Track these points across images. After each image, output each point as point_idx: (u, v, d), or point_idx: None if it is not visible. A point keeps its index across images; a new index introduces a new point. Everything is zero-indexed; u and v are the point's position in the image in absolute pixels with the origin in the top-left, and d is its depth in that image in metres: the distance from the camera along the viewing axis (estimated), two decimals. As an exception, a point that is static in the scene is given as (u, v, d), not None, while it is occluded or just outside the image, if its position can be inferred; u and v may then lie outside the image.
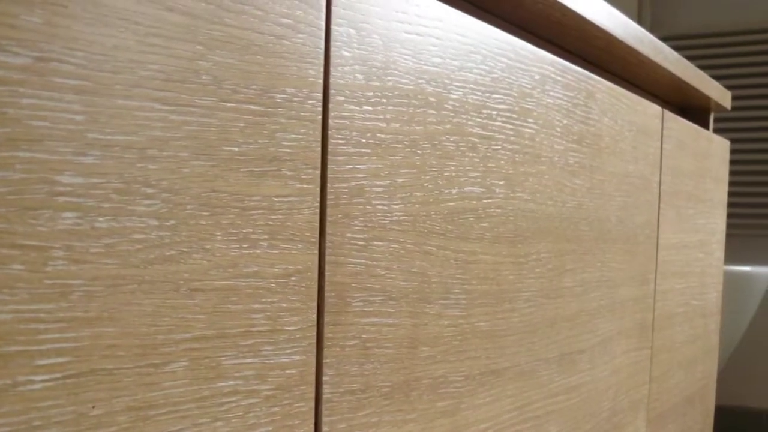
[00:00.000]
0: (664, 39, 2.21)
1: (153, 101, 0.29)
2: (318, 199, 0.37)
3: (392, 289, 0.42)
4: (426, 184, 0.45)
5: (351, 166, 0.39)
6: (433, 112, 0.45)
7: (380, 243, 0.41)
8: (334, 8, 0.37)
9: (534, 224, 0.57)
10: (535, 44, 0.72)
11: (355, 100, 0.39)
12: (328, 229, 0.38)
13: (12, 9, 0.24)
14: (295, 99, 0.35)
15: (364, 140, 0.40)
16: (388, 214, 0.42)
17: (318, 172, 0.37)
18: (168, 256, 0.30)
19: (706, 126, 1.16)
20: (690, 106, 1.15)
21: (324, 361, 0.38)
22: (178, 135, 0.30)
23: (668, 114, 0.86)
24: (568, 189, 0.62)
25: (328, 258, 0.38)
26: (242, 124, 0.33)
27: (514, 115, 0.54)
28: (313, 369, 0.37)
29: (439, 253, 0.46)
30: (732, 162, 2.13)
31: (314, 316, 0.37)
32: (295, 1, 0.35)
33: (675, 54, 0.89)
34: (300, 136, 0.36)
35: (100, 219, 0.27)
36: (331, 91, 0.38)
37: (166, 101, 0.29)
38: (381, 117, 0.41)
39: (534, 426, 0.59)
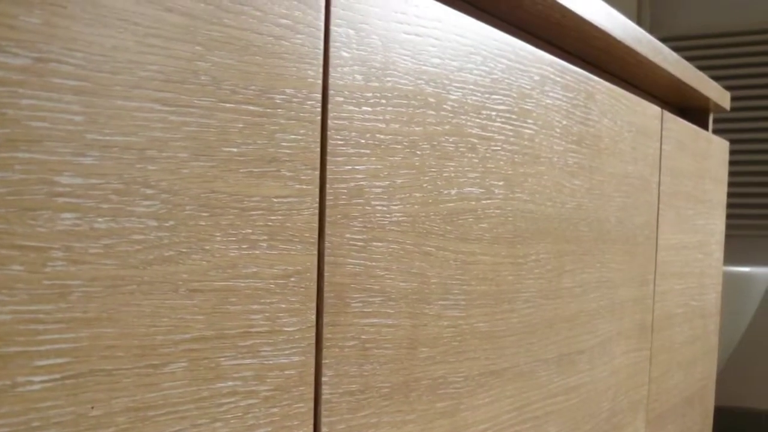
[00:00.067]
0: (663, 40, 2.21)
1: (152, 102, 0.29)
2: (317, 199, 0.37)
3: (391, 289, 0.42)
4: (425, 185, 0.45)
5: (350, 167, 0.39)
6: (433, 112, 0.45)
7: (379, 244, 0.41)
8: (333, 9, 0.37)
9: (533, 225, 0.57)
10: (535, 45, 0.72)
11: (354, 100, 0.39)
12: (327, 230, 0.38)
13: (11, 10, 0.24)
14: (294, 100, 0.35)
15: (363, 141, 0.40)
16: (388, 215, 0.42)
17: (317, 172, 0.37)
18: (167, 257, 0.30)
19: (705, 127, 1.16)
20: (689, 107, 1.15)
21: (323, 361, 0.38)
22: (177, 136, 0.30)
23: (667, 115, 0.86)
24: (568, 190, 0.62)
25: (327, 259, 0.38)
26: (241, 125, 0.33)
27: (514, 116, 0.54)
28: (312, 370, 0.37)
29: (439, 254, 0.46)
30: (731, 163, 2.13)
31: (313, 317, 0.37)
32: (294, 2, 0.35)
33: (674, 55, 0.89)
34: (299, 137, 0.36)
35: (99, 220, 0.27)
36: (330, 92, 0.38)
37: (166, 102, 0.29)
38: (380, 118, 0.41)
39: (533, 427, 0.59)
